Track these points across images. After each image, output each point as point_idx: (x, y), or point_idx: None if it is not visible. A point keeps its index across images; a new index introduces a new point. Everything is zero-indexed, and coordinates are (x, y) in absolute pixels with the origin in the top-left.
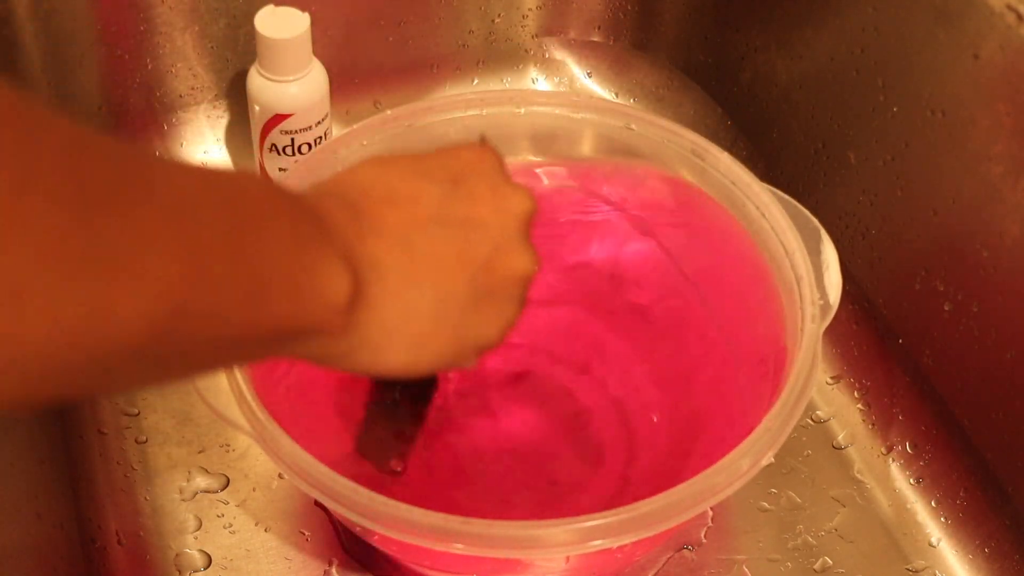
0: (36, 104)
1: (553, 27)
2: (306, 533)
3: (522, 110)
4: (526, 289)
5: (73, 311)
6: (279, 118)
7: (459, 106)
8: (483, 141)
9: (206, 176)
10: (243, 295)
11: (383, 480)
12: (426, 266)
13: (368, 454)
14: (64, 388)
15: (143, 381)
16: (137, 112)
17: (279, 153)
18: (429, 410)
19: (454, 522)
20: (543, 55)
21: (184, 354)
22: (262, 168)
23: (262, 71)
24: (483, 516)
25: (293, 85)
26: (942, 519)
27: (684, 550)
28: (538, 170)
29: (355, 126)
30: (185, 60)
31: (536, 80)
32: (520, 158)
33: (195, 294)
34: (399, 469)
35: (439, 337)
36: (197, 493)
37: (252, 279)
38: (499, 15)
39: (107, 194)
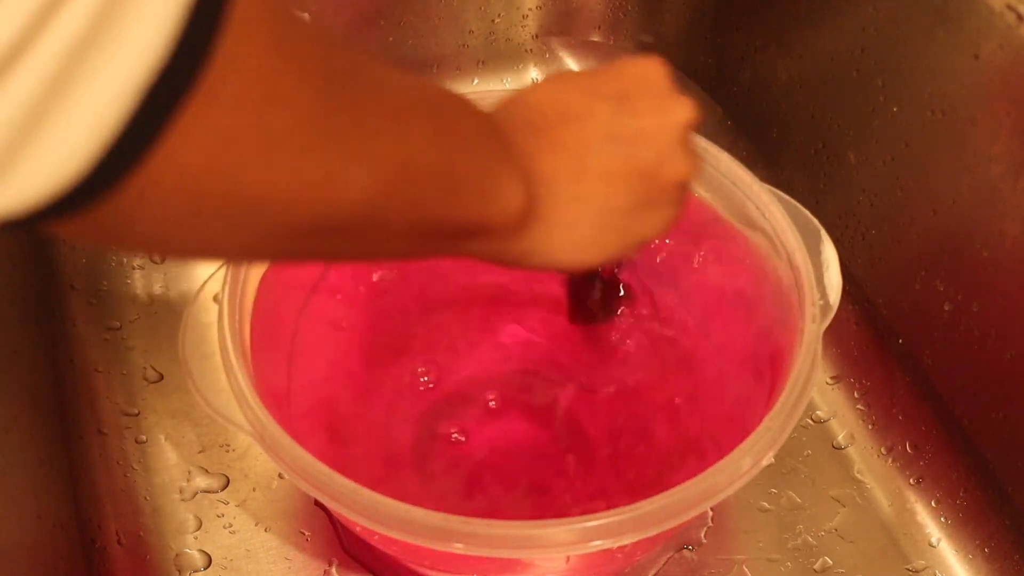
0: (290, 6)
1: (553, 27)
2: (306, 533)
3: None
4: (684, 192)
5: (313, 177)
6: None
7: None
8: (651, 55)
9: (421, 86)
10: (440, 190)
11: (383, 480)
12: (594, 181)
13: (579, 319)
14: (292, 243)
15: (348, 252)
16: None
17: None
18: (618, 278)
19: (454, 522)
20: (543, 55)
21: (388, 232)
22: None
23: None
24: (481, 516)
25: None
26: (942, 519)
27: (684, 550)
28: None
29: None
30: None
31: (536, 80)
32: None
33: (404, 180)
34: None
35: (602, 240)
36: (197, 493)
37: (448, 178)
38: (499, 15)
39: (345, 90)
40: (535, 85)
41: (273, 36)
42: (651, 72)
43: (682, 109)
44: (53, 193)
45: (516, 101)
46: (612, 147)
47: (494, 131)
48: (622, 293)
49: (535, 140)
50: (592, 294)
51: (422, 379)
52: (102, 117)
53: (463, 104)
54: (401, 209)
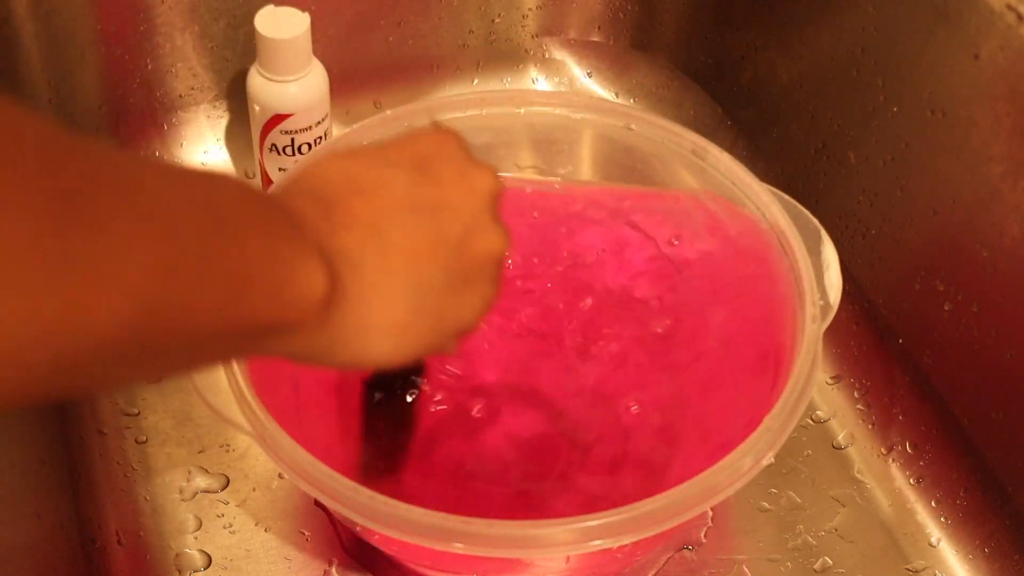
0: (10, 106)
1: (553, 27)
2: (306, 533)
3: (522, 110)
4: (500, 268)
5: (46, 313)
6: (279, 118)
7: (459, 106)
8: (437, 125)
9: (181, 176)
10: (218, 294)
11: (383, 480)
12: (400, 254)
13: (372, 465)
14: (39, 387)
15: (121, 379)
16: (137, 112)
17: (279, 153)
18: (418, 400)
19: (454, 522)
20: (543, 55)
21: (160, 352)
22: (263, 168)
23: (262, 71)
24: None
25: (293, 85)
26: (942, 519)
27: (684, 550)
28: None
29: (355, 126)
30: (185, 60)
31: (536, 80)
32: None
33: (168, 295)
34: (399, 467)
35: (419, 324)
36: (197, 493)
37: (227, 279)
38: (499, 15)
39: (81, 201)
40: (322, 159)
41: None
42: (446, 142)
43: (485, 179)
44: None
45: (302, 176)
46: (413, 217)
47: (280, 214)
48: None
49: (328, 217)
50: (389, 418)
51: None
52: None
53: (239, 191)
54: (171, 325)
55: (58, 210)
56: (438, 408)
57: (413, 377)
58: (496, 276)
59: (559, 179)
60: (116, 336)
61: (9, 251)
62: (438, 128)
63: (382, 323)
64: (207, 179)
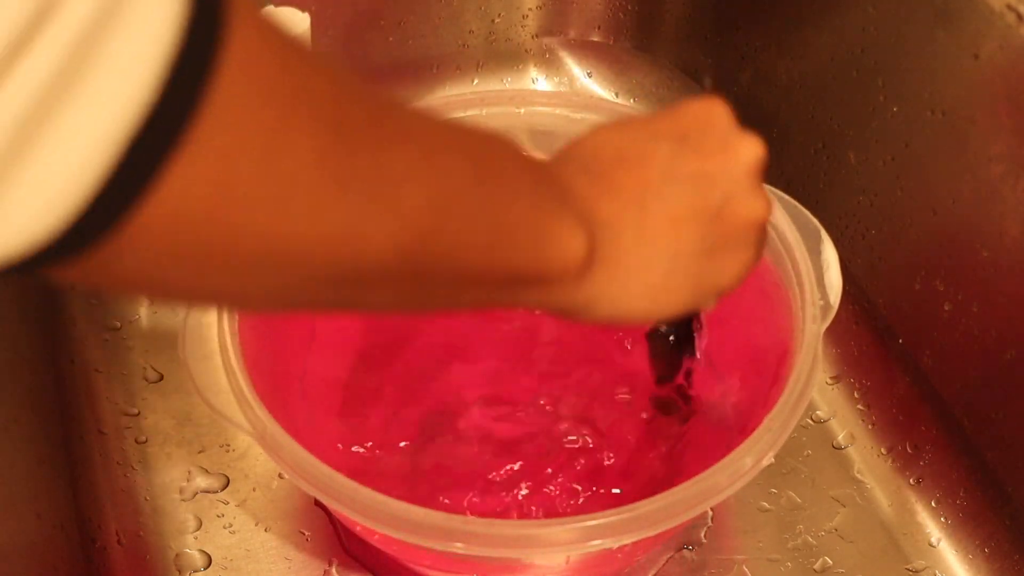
0: (302, 45)
1: (553, 27)
2: (306, 533)
3: (522, 110)
4: (761, 232)
5: (332, 226)
6: None
7: (459, 106)
8: (705, 95)
9: (458, 127)
10: (484, 238)
11: (383, 480)
12: (659, 223)
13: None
14: (311, 295)
15: (385, 304)
16: None
17: None
18: (695, 336)
19: (454, 522)
20: (543, 55)
21: (426, 284)
22: None
23: None
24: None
25: None
26: (942, 519)
27: (684, 550)
28: None
29: None
30: None
31: (536, 80)
32: None
33: (440, 230)
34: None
35: (674, 288)
36: (197, 493)
37: (493, 225)
38: (499, 15)
39: (367, 127)
40: (592, 131)
41: (275, 76)
42: (712, 112)
43: (748, 147)
44: (35, 242)
45: (572, 148)
46: (675, 188)
47: (547, 177)
48: (694, 350)
49: (592, 185)
50: (671, 349)
51: (428, 374)
52: (86, 163)
53: (508, 148)
54: (440, 259)
55: (339, 138)
56: (440, 405)
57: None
58: (757, 240)
59: None
60: (389, 258)
61: (294, 168)
62: (705, 98)
63: (638, 286)
64: (481, 134)
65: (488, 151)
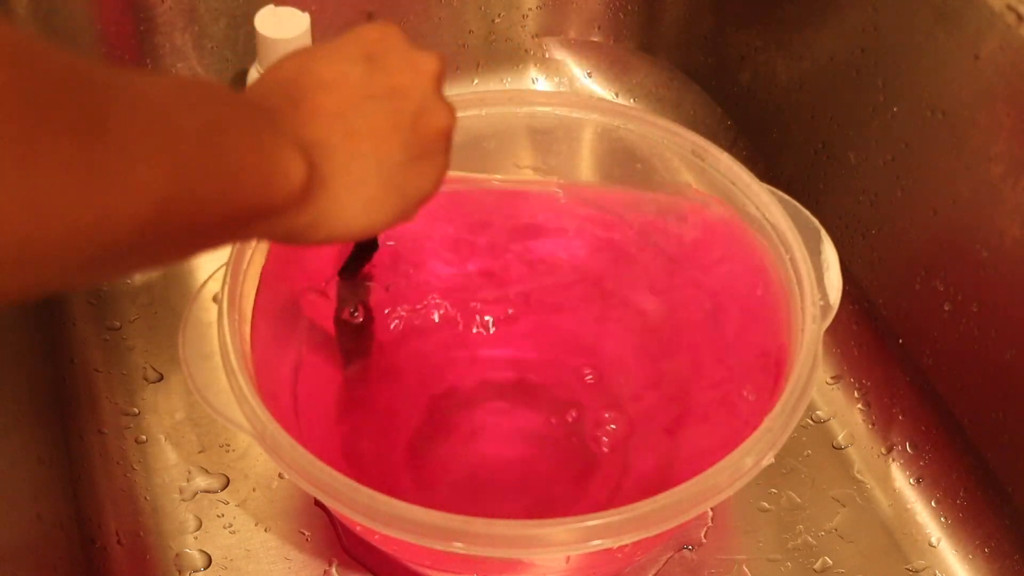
0: (33, 40)
1: (553, 27)
2: (306, 533)
3: (522, 110)
4: (449, 140)
5: (81, 215)
6: None
7: (459, 106)
8: (375, 19)
9: (177, 85)
10: (218, 186)
11: (383, 480)
12: (363, 138)
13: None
14: (76, 277)
15: (144, 265)
16: None
17: None
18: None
19: (454, 522)
20: (543, 55)
21: (175, 240)
22: None
23: (262, 71)
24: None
25: None
26: (942, 519)
27: (684, 550)
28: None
29: None
30: (185, 60)
31: (536, 80)
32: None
33: (178, 191)
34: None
35: (386, 198)
36: (197, 493)
37: (224, 172)
38: (499, 15)
39: (100, 120)
40: (280, 61)
41: (24, 101)
42: (388, 33)
43: (429, 62)
44: None
45: (267, 79)
46: (374, 104)
47: (260, 111)
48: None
49: (297, 110)
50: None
51: (427, 373)
52: None
53: (225, 94)
54: (184, 216)
55: (82, 133)
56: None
57: (366, 252)
58: (447, 148)
59: (557, 179)
60: (138, 230)
61: (51, 168)
62: (379, 23)
63: (355, 200)
64: (197, 85)
65: (207, 101)
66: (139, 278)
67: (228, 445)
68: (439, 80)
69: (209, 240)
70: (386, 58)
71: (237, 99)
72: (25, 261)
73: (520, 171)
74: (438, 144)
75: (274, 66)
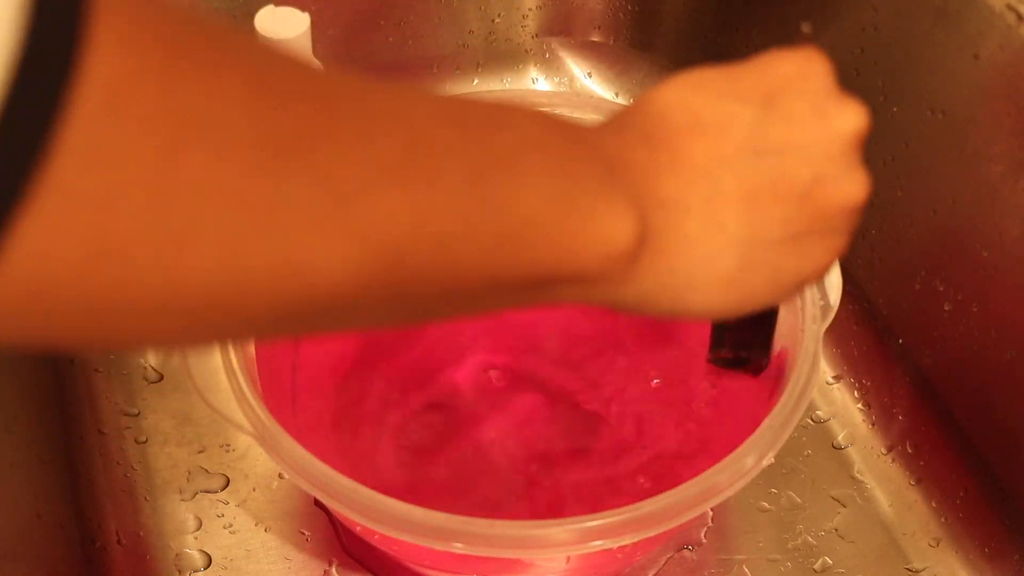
0: (214, 30)
1: (553, 27)
2: (306, 533)
3: None
4: (854, 218)
5: (256, 262)
6: None
7: None
8: (808, 47)
9: (450, 108)
10: (486, 242)
11: (383, 480)
12: (731, 203)
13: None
14: (264, 332)
15: (365, 324)
16: None
17: None
18: (772, 333)
19: (454, 522)
20: (543, 55)
21: (411, 301)
22: None
23: None
24: (480, 511)
25: None
26: (942, 519)
27: (684, 550)
28: None
29: None
30: None
31: (536, 80)
32: None
33: (420, 243)
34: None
35: (748, 279)
36: (197, 493)
37: (498, 226)
38: (499, 15)
39: (296, 139)
40: (660, 87)
41: (158, 86)
42: (809, 68)
43: (847, 117)
44: None
45: (633, 110)
46: (754, 162)
47: (589, 154)
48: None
49: (653, 157)
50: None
51: (426, 373)
52: None
53: (524, 124)
54: (426, 274)
55: (261, 154)
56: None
57: (760, 326)
58: (849, 226)
59: None
60: (346, 288)
61: (204, 196)
62: (801, 51)
63: (705, 278)
64: (489, 107)
65: (493, 132)
66: None
67: (228, 445)
68: (856, 141)
69: (476, 303)
70: (792, 103)
71: (554, 133)
72: (182, 309)
73: None
74: (837, 222)
75: (656, 91)
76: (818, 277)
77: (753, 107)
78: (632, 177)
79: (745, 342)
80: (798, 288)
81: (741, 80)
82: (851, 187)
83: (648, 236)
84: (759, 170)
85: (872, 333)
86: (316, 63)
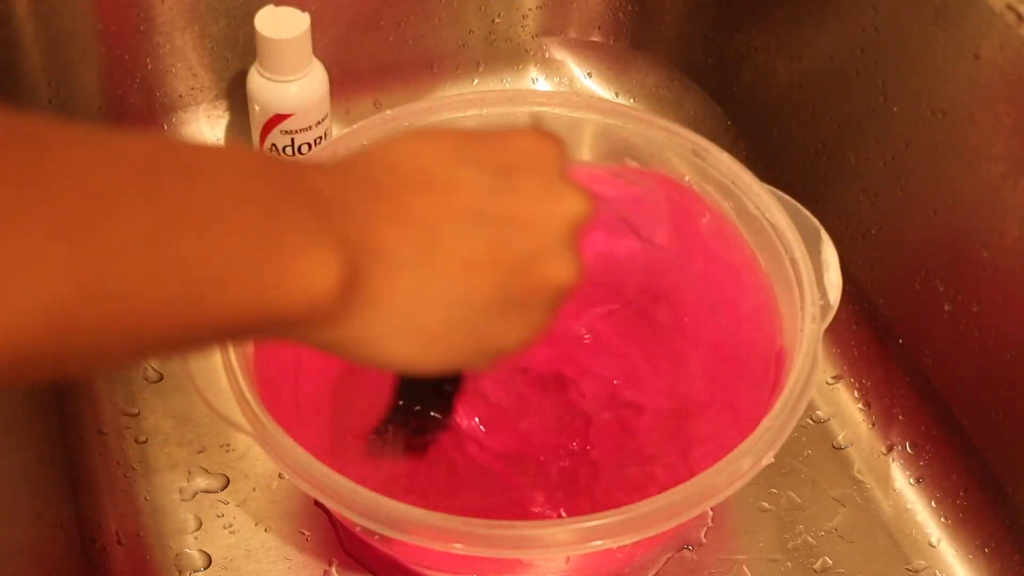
0: None
1: (553, 27)
2: (306, 533)
3: (522, 110)
4: (561, 299)
5: None
6: (279, 118)
7: (459, 106)
8: (540, 127)
9: (155, 158)
10: (170, 298)
11: (383, 480)
12: (449, 263)
13: (375, 451)
14: None
15: (37, 378)
16: (137, 112)
17: (279, 153)
18: (450, 410)
19: (454, 522)
20: (543, 55)
21: (91, 356)
22: None
23: (262, 71)
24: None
25: (293, 85)
26: (942, 519)
27: (684, 550)
28: None
29: (355, 126)
30: (185, 60)
31: (536, 80)
32: None
33: (95, 302)
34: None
35: (452, 338)
36: (197, 493)
37: (184, 281)
38: (499, 15)
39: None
40: (397, 138)
41: None
42: (545, 149)
43: (573, 202)
44: None
45: (367, 154)
46: (479, 227)
47: (299, 195)
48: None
49: (376, 204)
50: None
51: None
52: None
53: (244, 168)
54: (101, 333)
55: None
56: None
57: (446, 387)
58: (555, 306)
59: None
60: (12, 349)
61: None
62: (542, 132)
63: (409, 330)
64: (193, 159)
65: (187, 184)
66: None
67: (228, 445)
68: (577, 226)
69: (174, 346)
70: (524, 178)
71: (263, 177)
72: None
73: None
74: (543, 298)
75: (387, 141)
76: (517, 350)
77: (487, 174)
78: (349, 222)
79: (429, 401)
80: (495, 356)
81: (479, 146)
82: (565, 268)
83: (358, 282)
84: (481, 235)
85: (872, 333)
86: (315, 62)
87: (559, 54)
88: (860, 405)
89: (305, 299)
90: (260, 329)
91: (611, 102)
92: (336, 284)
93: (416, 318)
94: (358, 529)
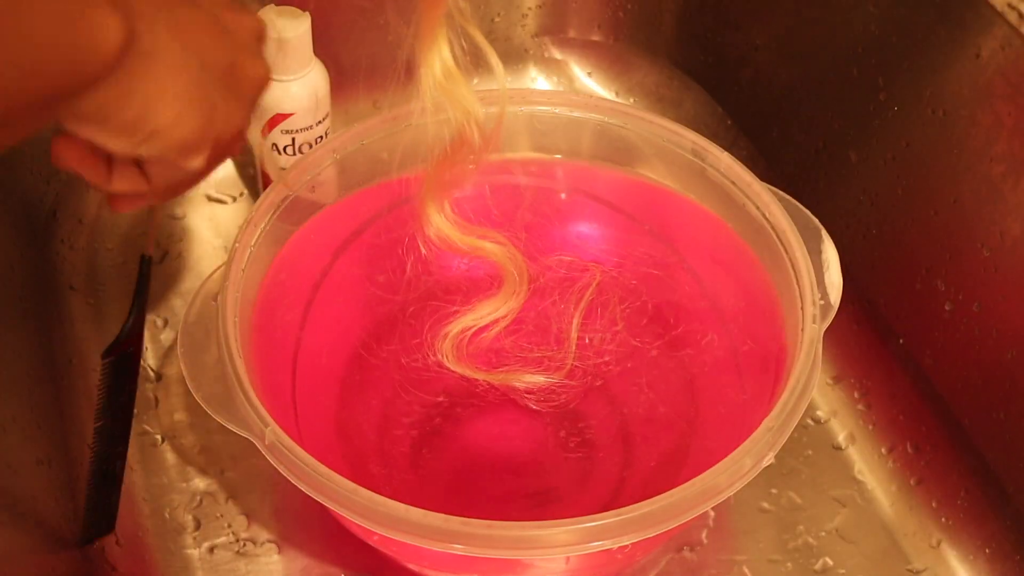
0: None
1: (553, 27)
2: (306, 533)
3: (522, 109)
4: (260, 95)
5: None
6: (279, 118)
7: None
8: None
9: None
10: (21, 71)
11: (384, 482)
12: (188, 27)
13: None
14: None
15: None
16: None
17: (280, 152)
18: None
19: (454, 523)
20: (543, 55)
21: None
22: (263, 168)
23: None
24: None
25: (293, 85)
26: (943, 520)
27: (685, 551)
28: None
29: (355, 126)
30: None
31: (536, 79)
32: (520, 154)
33: None
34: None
35: (201, 102)
36: (197, 493)
37: (27, 55)
38: (499, 15)
39: None
40: None
41: None
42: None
43: (254, 19)
44: None
45: None
46: (200, 15)
47: None
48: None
49: None
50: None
51: (423, 374)
52: None
53: None
54: None
55: None
56: (439, 404)
57: (131, 349)
58: (255, 101)
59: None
60: None
61: None
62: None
63: (171, 85)
64: None
65: None
66: None
67: (228, 445)
68: (262, 39)
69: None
70: (211, 3)
71: None
72: None
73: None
74: (250, 91)
75: None
76: (231, 137)
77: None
78: None
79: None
80: (219, 142)
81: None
82: (263, 67)
83: (133, 38)
84: (204, 24)
85: (872, 333)
86: (316, 62)
87: (559, 53)
88: (860, 405)
89: (103, 49)
90: (64, 95)
91: (611, 102)
92: (123, 33)
93: (174, 74)
94: (358, 529)
